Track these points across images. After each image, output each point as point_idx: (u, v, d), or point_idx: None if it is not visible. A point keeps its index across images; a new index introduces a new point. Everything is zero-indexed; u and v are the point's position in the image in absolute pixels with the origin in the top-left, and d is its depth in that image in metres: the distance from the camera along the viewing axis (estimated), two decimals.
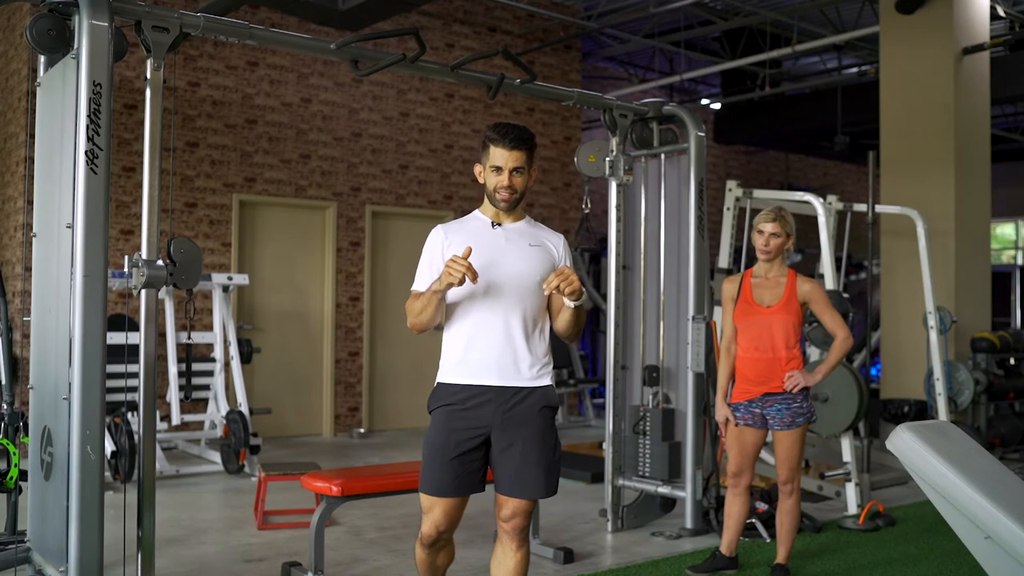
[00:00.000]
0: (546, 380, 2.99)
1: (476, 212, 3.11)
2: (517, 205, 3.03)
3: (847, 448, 5.85)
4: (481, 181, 3.05)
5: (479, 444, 2.94)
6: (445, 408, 2.97)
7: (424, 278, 3.02)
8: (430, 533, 2.99)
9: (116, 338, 4.08)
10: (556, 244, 3.08)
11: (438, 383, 3.02)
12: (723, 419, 4.24)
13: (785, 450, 4.12)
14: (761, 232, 4.14)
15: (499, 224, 3.03)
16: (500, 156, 2.97)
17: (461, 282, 2.78)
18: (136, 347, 3.45)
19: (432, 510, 2.96)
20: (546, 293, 2.92)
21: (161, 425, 6.72)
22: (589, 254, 10.55)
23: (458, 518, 3.01)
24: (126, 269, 3.38)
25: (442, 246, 3.00)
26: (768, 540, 4.93)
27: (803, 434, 4.12)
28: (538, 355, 2.98)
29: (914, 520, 5.49)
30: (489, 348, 2.94)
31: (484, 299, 2.95)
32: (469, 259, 2.81)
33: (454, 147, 9.43)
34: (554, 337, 3.10)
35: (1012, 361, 8.05)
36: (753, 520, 5.00)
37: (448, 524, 2.98)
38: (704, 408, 5.16)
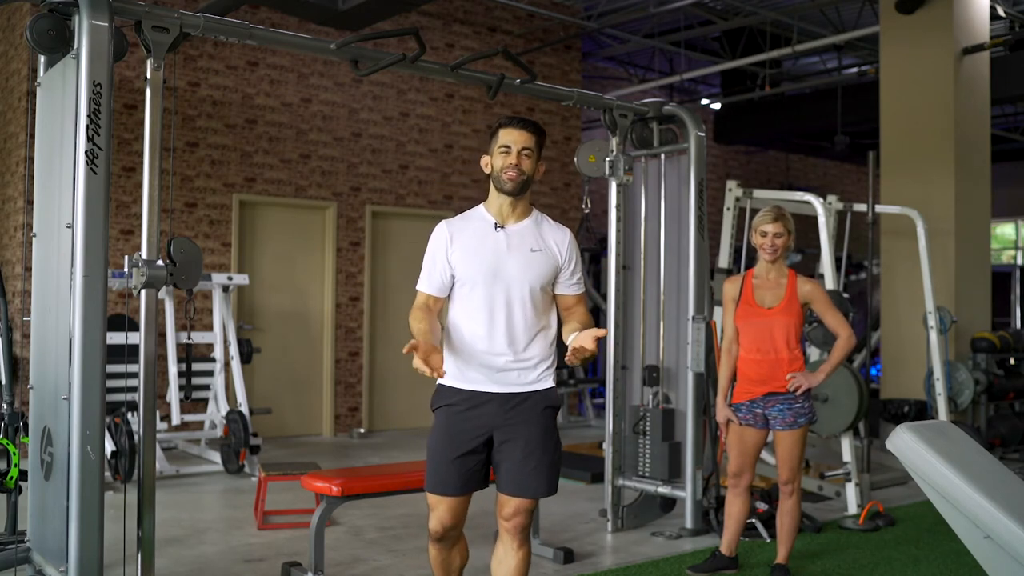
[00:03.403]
0: (547, 383, 2.97)
1: (480, 208, 3.05)
2: (524, 191, 2.97)
3: (847, 448, 5.85)
4: (488, 171, 3.01)
5: (482, 444, 2.94)
6: (446, 408, 2.98)
7: (430, 278, 3.00)
8: (436, 529, 3.00)
9: (116, 338, 4.09)
10: (560, 243, 3.02)
11: (440, 384, 3.01)
12: (724, 420, 4.24)
13: (786, 450, 4.12)
14: (765, 234, 4.12)
15: (502, 226, 2.98)
16: (509, 135, 2.95)
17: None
18: (136, 347, 3.45)
19: (437, 508, 2.98)
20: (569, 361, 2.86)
21: (161, 425, 6.72)
22: (589, 254, 10.54)
23: (463, 514, 3.02)
24: (126, 269, 3.38)
25: (446, 248, 2.98)
26: (768, 540, 4.93)
27: (804, 434, 4.12)
28: (539, 360, 2.96)
29: (914, 520, 5.49)
30: (490, 355, 2.92)
31: (486, 306, 2.93)
32: (471, 267, 2.93)
33: (454, 147, 9.42)
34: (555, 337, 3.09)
35: (1012, 361, 8.05)
36: (753, 520, 5.00)
37: (453, 520, 2.99)
38: (704, 408, 5.16)
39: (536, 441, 2.92)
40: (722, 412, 4.24)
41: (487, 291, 2.92)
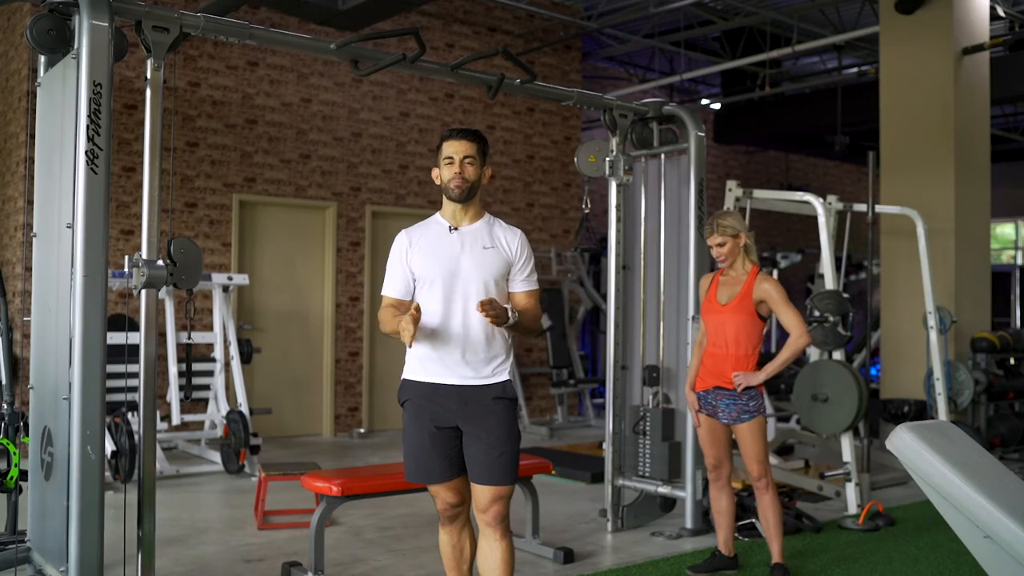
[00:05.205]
0: (503, 376, 3.14)
1: (436, 215, 3.26)
2: (471, 196, 3.17)
3: (847, 448, 5.85)
4: (438, 182, 3.22)
5: (450, 431, 3.10)
6: (411, 403, 3.15)
7: (392, 283, 3.22)
8: (443, 508, 3.18)
9: (116, 338, 4.08)
10: (511, 242, 3.20)
11: (403, 379, 3.19)
12: (692, 404, 4.32)
13: (746, 446, 4.16)
14: (710, 247, 4.27)
15: (456, 228, 3.18)
16: (451, 147, 3.18)
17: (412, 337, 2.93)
18: (136, 347, 3.45)
19: (437, 492, 3.16)
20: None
21: (161, 425, 6.71)
22: (589, 254, 10.54)
23: (465, 493, 3.16)
24: (126, 269, 3.38)
25: (406, 253, 3.20)
26: None
27: (759, 429, 4.15)
28: (495, 353, 3.13)
29: (914, 520, 5.49)
30: (448, 349, 3.09)
31: (443, 302, 3.11)
32: (428, 267, 3.11)
33: None
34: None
35: (1012, 361, 8.05)
36: (753, 520, 5.00)
37: (456, 498, 3.16)
38: None
39: (497, 431, 3.07)
40: (690, 397, 4.34)
41: (445, 288, 3.11)
